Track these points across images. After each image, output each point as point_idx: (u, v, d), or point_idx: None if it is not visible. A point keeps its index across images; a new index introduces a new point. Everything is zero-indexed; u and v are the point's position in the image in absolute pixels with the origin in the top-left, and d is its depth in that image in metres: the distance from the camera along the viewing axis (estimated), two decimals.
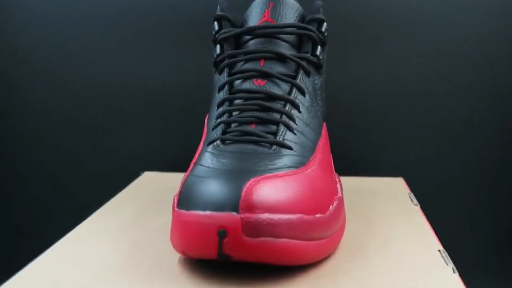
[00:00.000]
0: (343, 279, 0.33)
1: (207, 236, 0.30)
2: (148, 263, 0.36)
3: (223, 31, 0.44)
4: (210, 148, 0.37)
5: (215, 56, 0.44)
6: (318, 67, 0.43)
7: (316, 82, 0.43)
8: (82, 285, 0.33)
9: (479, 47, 0.65)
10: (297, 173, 0.34)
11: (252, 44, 0.43)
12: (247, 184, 0.31)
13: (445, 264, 0.34)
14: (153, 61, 0.70)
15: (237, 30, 0.43)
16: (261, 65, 0.42)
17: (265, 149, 0.35)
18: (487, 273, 0.68)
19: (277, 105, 0.39)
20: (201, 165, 0.35)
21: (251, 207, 0.30)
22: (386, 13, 0.66)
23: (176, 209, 0.33)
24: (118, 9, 0.70)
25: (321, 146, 0.39)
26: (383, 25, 0.66)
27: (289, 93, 0.40)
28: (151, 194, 0.54)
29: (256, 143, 0.36)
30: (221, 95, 0.42)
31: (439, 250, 0.36)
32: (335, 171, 0.68)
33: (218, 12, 0.45)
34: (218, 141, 0.37)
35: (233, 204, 0.30)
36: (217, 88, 0.43)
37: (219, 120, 0.39)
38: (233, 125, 0.38)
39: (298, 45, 0.43)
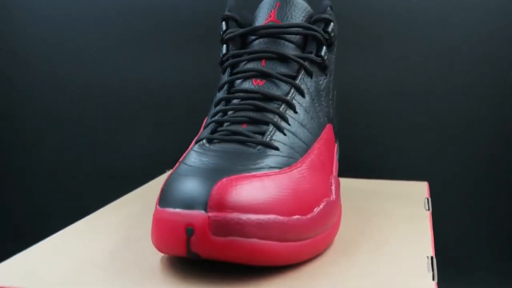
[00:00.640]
0: (317, 281, 0.32)
1: (176, 233, 0.31)
2: (133, 259, 0.36)
3: (228, 31, 0.44)
4: (196, 147, 0.37)
5: (221, 56, 0.45)
6: (323, 67, 0.43)
7: (320, 82, 0.43)
8: (63, 277, 0.34)
9: (480, 47, 0.65)
10: (278, 173, 0.34)
11: (257, 44, 0.43)
12: (218, 183, 0.31)
13: (427, 271, 0.33)
14: (153, 61, 0.70)
15: (241, 30, 0.43)
16: (262, 65, 0.42)
17: (250, 149, 0.35)
18: (487, 274, 0.68)
19: (273, 105, 0.39)
20: (184, 163, 0.35)
21: (219, 206, 0.30)
22: (387, 13, 0.66)
23: (156, 206, 0.33)
24: (118, 9, 0.70)
25: (317, 147, 0.39)
26: (383, 25, 0.66)
27: (288, 93, 0.40)
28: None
29: (243, 143, 0.36)
30: (220, 94, 0.42)
31: (428, 257, 0.36)
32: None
33: (226, 12, 0.45)
34: (204, 140, 0.37)
35: (203, 202, 0.30)
36: (217, 88, 0.43)
37: (211, 119, 0.39)
38: (225, 124, 0.39)
39: (303, 45, 0.43)
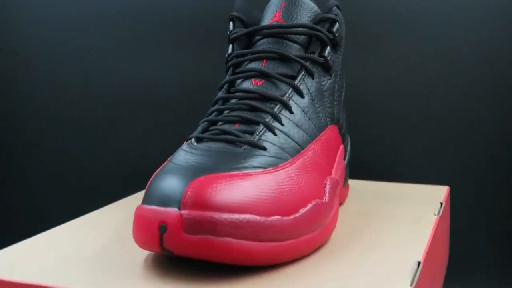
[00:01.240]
0: (295, 282, 0.32)
1: (150, 230, 0.31)
2: (121, 256, 0.37)
3: (233, 31, 0.45)
4: (184, 145, 0.37)
5: (226, 56, 0.45)
6: (326, 68, 0.43)
7: (323, 83, 0.43)
8: (44, 269, 0.34)
9: (480, 47, 0.65)
10: (261, 173, 0.34)
11: (261, 44, 0.43)
12: (193, 182, 0.31)
13: (408, 276, 0.33)
14: (153, 61, 0.70)
15: (245, 30, 0.44)
16: (263, 65, 0.42)
17: (237, 149, 0.36)
18: (487, 274, 0.68)
19: (268, 105, 0.39)
20: (171, 161, 0.35)
21: (192, 204, 0.30)
22: (387, 13, 0.66)
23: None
24: (118, 9, 0.70)
25: (312, 148, 0.39)
26: (384, 25, 0.66)
27: (285, 94, 0.40)
28: None
29: (231, 142, 0.36)
30: (219, 94, 0.42)
31: (416, 262, 0.35)
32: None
33: (233, 13, 0.46)
34: (193, 139, 0.37)
35: (177, 200, 0.31)
36: (218, 87, 0.44)
37: (205, 118, 0.40)
38: (218, 123, 0.39)
39: (307, 46, 0.43)
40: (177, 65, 0.70)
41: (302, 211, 0.35)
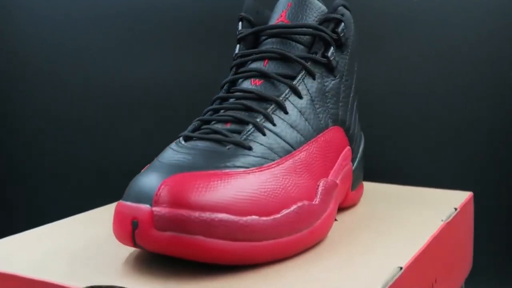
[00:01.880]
0: (268, 282, 0.32)
1: (124, 225, 0.32)
2: (109, 252, 0.37)
3: (240, 31, 0.45)
4: (172, 144, 0.37)
5: (233, 55, 0.45)
6: (330, 68, 0.43)
7: (326, 84, 0.42)
8: (27, 262, 0.35)
9: (480, 47, 0.65)
10: (242, 173, 0.34)
11: (266, 44, 0.43)
12: (168, 179, 0.31)
13: (382, 280, 0.32)
14: (153, 61, 0.70)
15: (250, 30, 0.44)
16: (264, 65, 0.42)
17: (222, 148, 0.36)
18: (486, 274, 0.68)
19: (263, 105, 0.39)
20: (158, 160, 0.36)
21: (164, 201, 0.31)
22: (387, 13, 0.66)
23: None
24: (118, 9, 0.70)
25: (305, 149, 0.39)
26: (384, 26, 0.66)
27: (282, 94, 0.40)
28: None
29: (218, 141, 0.36)
30: (219, 93, 0.42)
31: (399, 267, 0.34)
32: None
33: (241, 13, 0.46)
34: (181, 138, 0.38)
35: (149, 197, 0.31)
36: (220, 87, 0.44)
37: (199, 117, 0.40)
38: (212, 123, 0.39)
39: (311, 46, 0.43)
40: (177, 65, 0.70)
41: (284, 212, 0.34)
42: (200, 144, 0.36)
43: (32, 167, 0.75)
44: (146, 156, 0.72)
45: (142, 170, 0.35)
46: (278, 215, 0.34)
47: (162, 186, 0.31)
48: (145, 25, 0.70)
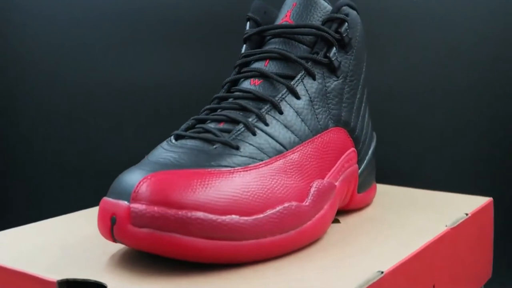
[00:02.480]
0: (243, 280, 0.32)
1: (104, 221, 0.33)
2: (97, 249, 0.37)
3: (246, 31, 0.45)
4: (163, 142, 0.38)
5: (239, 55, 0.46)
6: (331, 69, 0.42)
7: (327, 84, 0.42)
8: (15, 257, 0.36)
9: (481, 47, 0.64)
10: (225, 172, 0.34)
11: (270, 44, 0.43)
12: (147, 176, 0.32)
13: (356, 284, 0.32)
14: (154, 61, 0.71)
15: (253, 30, 0.44)
16: (265, 65, 0.42)
17: (209, 147, 0.36)
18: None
19: (260, 105, 0.39)
20: (147, 157, 0.36)
21: (141, 198, 0.31)
22: (387, 13, 0.65)
23: None
24: (118, 9, 0.70)
25: (298, 149, 0.38)
26: (384, 26, 0.66)
27: (279, 94, 0.40)
28: None
29: (207, 140, 0.36)
30: (219, 93, 0.42)
31: (380, 271, 0.33)
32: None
33: (248, 13, 0.46)
34: (172, 136, 0.38)
35: (128, 193, 0.32)
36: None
37: (194, 116, 0.40)
38: (207, 122, 0.39)
39: (313, 46, 0.43)
40: (178, 65, 0.71)
41: (268, 212, 0.34)
42: (190, 143, 0.36)
43: (32, 166, 0.76)
44: (146, 155, 0.73)
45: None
46: (261, 215, 0.34)
47: (141, 183, 0.32)
48: (145, 25, 0.70)
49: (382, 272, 0.33)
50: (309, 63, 0.41)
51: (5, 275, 0.34)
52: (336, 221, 0.44)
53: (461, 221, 0.45)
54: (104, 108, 0.73)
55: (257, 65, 0.42)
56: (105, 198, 0.33)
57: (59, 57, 0.73)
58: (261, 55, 0.42)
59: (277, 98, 0.39)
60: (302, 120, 0.40)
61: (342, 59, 0.43)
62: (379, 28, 0.66)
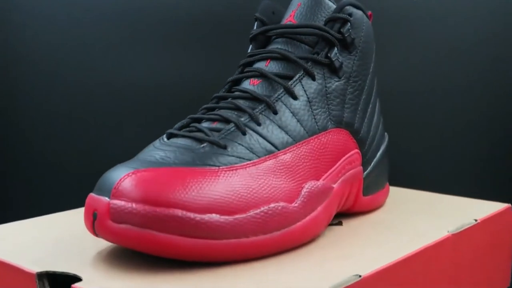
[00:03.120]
0: (214, 279, 0.32)
1: (87, 216, 0.33)
2: (88, 245, 0.38)
3: (251, 31, 0.45)
4: (156, 140, 0.38)
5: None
6: (333, 69, 0.42)
7: (328, 85, 0.41)
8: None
9: (482, 47, 0.64)
10: (208, 171, 0.34)
11: (274, 44, 0.43)
12: (129, 173, 0.32)
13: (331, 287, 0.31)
14: (154, 61, 0.71)
15: (258, 30, 0.44)
16: (266, 65, 0.42)
17: (197, 146, 0.36)
18: None
19: (256, 105, 0.39)
20: (137, 155, 0.37)
21: (119, 195, 0.32)
22: (387, 13, 0.65)
23: None
24: (118, 9, 0.70)
25: (291, 150, 0.38)
26: (385, 26, 0.65)
27: (275, 94, 0.39)
28: None
29: (197, 139, 0.36)
30: (220, 92, 0.42)
31: (358, 275, 0.33)
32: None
33: (256, 14, 0.46)
34: (164, 135, 0.38)
35: (109, 190, 0.32)
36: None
37: (190, 115, 0.40)
38: (202, 121, 0.39)
39: (315, 46, 0.42)
40: (178, 65, 0.71)
41: (251, 212, 0.34)
42: (180, 141, 0.37)
43: (32, 166, 0.76)
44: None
45: None
46: (243, 215, 0.34)
47: (121, 180, 0.32)
48: (145, 25, 0.70)
49: (360, 276, 0.32)
50: (309, 63, 0.41)
51: None
52: (338, 223, 0.44)
53: (467, 227, 0.43)
54: (104, 108, 0.73)
55: (259, 65, 0.42)
56: (91, 194, 0.34)
57: (59, 57, 0.73)
58: (263, 55, 0.42)
59: (272, 98, 0.39)
60: (298, 121, 0.39)
61: (344, 60, 0.42)
62: (379, 28, 0.65)
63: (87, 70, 0.73)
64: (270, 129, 0.38)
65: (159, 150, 0.36)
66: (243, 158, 0.36)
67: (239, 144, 0.36)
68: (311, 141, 0.39)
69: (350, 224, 0.44)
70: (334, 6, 0.44)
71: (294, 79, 0.40)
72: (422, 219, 0.45)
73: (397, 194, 0.54)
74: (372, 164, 0.47)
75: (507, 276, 0.52)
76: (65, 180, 0.76)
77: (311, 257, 0.36)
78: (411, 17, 0.65)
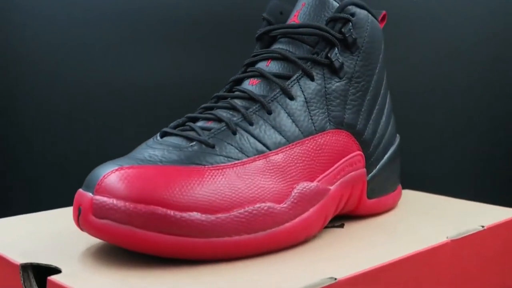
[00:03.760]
0: (192, 279, 0.32)
1: (74, 210, 0.34)
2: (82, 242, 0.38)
3: (258, 31, 0.45)
4: (150, 139, 0.38)
5: None
6: (333, 69, 0.41)
7: (327, 85, 0.41)
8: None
9: (482, 46, 0.64)
10: (193, 169, 0.34)
11: (277, 44, 0.43)
12: (113, 170, 0.33)
13: None
14: (154, 61, 0.71)
15: (262, 30, 0.44)
16: (266, 65, 0.42)
17: (186, 145, 0.36)
18: None
19: (250, 105, 0.39)
20: (130, 153, 0.37)
21: (102, 191, 0.32)
22: (387, 13, 0.65)
23: None
24: (118, 9, 0.70)
25: (284, 151, 0.38)
26: (384, 26, 0.65)
27: (271, 95, 0.39)
28: None
29: (188, 138, 0.37)
30: (220, 92, 0.43)
31: (333, 278, 0.32)
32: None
33: (263, 14, 0.46)
34: (158, 134, 0.38)
35: (93, 186, 0.33)
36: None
37: (187, 114, 0.40)
38: (198, 120, 0.40)
39: (316, 46, 0.42)
40: (177, 65, 0.70)
41: (234, 211, 0.34)
42: (172, 140, 0.37)
43: (32, 166, 0.76)
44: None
45: None
46: (226, 214, 0.33)
47: (105, 176, 0.33)
48: (145, 25, 0.70)
49: (335, 279, 0.32)
50: (308, 64, 0.41)
51: None
52: (340, 225, 0.43)
53: (470, 233, 0.42)
54: (104, 108, 0.73)
55: (260, 65, 0.42)
56: (79, 189, 0.34)
57: (59, 57, 0.73)
58: (265, 55, 0.42)
59: (267, 99, 0.39)
60: (293, 121, 0.39)
61: (346, 60, 0.42)
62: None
63: (87, 70, 0.73)
64: (263, 129, 0.38)
65: (150, 148, 0.36)
66: (232, 158, 0.36)
67: (228, 143, 0.36)
68: (306, 142, 0.39)
69: (351, 227, 0.43)
70: (337, 5, 0.43)
71: (292, 79, 0.40)
72: (426, 223, 0.44)
73: (405, 196, 0.53)
74: (378, 166, 0.46)
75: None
76: (65, 180, 0.76)
77: (297, 259, 0.35)
78: (411, 17, 0.65)
